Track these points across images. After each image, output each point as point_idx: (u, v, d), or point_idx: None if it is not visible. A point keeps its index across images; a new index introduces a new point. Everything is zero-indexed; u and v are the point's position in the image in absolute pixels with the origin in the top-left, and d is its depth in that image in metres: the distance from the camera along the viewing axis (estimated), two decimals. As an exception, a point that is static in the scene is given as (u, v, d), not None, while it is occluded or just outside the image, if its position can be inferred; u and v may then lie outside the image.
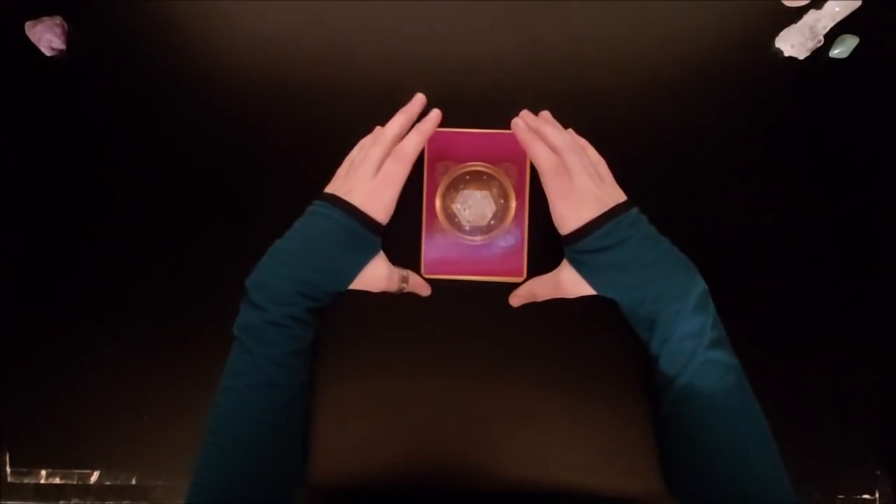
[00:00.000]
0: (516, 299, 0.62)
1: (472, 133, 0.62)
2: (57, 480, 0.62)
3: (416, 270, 0.62)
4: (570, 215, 0.54)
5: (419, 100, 0.60)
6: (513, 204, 0.59)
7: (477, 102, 0.62)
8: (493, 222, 0.60)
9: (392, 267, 0.59)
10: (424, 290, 0.62)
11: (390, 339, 0.63)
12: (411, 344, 0.63)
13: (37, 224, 0.63)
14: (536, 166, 0.55)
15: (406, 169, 0.56)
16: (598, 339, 0.62)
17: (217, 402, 0.54)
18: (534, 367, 0.62)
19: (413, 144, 0.56)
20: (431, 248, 0.62)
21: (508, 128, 0.57)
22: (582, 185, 0.54)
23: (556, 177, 0.54)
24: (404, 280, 0.60)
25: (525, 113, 0.59)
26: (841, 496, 0.62)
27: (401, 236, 0.61)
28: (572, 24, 0.63)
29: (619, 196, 0.56)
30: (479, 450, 0.62)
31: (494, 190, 0.60)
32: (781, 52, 0.62)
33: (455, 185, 0.61)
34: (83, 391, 0.62)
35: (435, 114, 0.58)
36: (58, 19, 0.62)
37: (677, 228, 0.56)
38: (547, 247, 0.61)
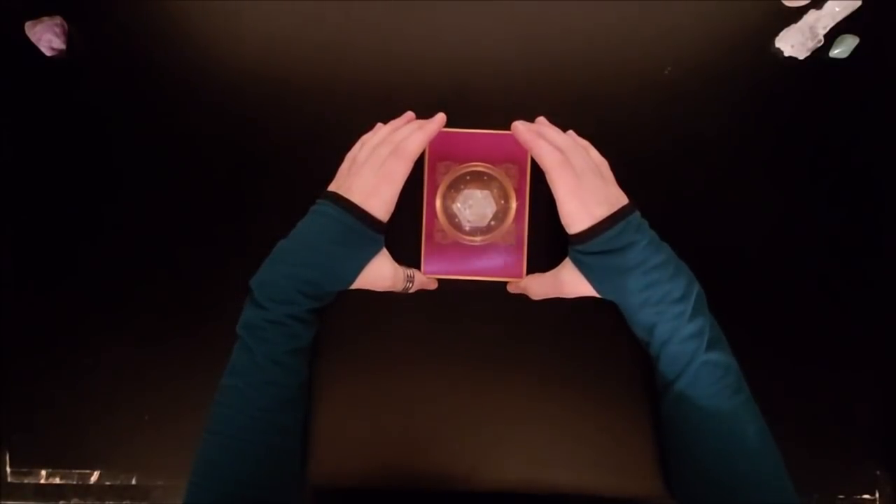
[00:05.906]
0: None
1: (473, 133, 0.62)
2: (57, 480, 0.62)
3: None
4: (580, 212, 0.53)
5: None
6: (513, 204, 0.59)
7: (478, 103, 0.62)
8: (493, 223, 0.60)
9: (397, 266, 0.59)
10: (431, 286, 0.62)
11: (390, 338, 0.63)
12: (411, 343, 0.63)
13: (37, 223, 0.63)
14: (541, 164, 0.54)
15: (407, 166, 0.55)
16: (598, 339, 0.62)
17: (217, 401, 0.54)
18: (534, 367, 0.62)
19: (416, 142, 0.55)
20: (431, 248, 0.62)
21: (509, 128, 0.57)
22: (590, 183, 0.54)
23: (562, 172, 0.53)
24: (410, 279, 0.60)
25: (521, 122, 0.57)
26: (841, 496, 0.62)
27: (401, 236, 0.61)
28: (573, 25, 0.63)
29: (623, 198, 0.56)
30: (479, 450, 0.62)
31: (495, 190, 0.60)
32: (781, 52, 0.62)
33: (456, 185, 0.61)
34: (83, 391, 0.62)
35: (440, 116, 0.57)
36: (58, 19, 0.62)
37: (677, 228, 0.56)
38: (547, 248, 0.61)
